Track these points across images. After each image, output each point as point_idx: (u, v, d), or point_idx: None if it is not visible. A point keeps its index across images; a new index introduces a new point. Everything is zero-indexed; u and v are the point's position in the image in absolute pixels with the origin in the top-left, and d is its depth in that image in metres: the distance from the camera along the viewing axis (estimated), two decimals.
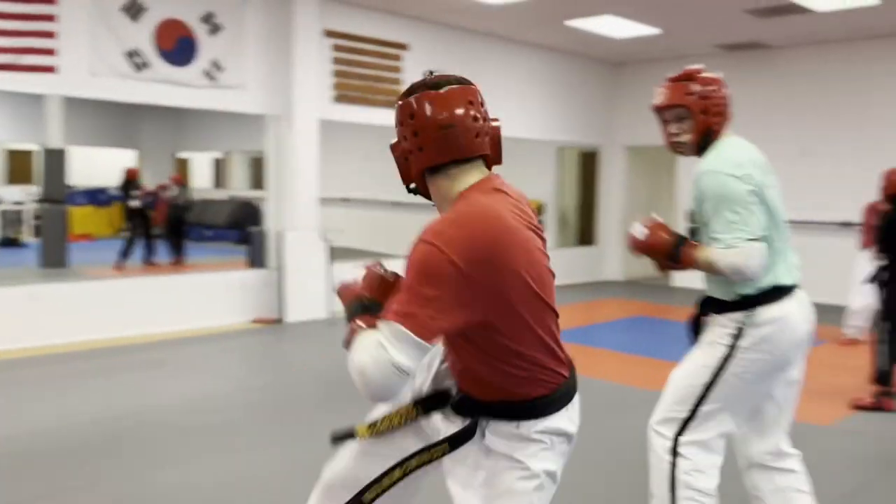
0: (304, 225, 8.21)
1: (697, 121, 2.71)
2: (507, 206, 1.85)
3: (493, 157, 1.95)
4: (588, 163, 12.81)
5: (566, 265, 11.70)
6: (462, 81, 1.89)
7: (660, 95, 2.79)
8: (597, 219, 12.45)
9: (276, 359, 6.87)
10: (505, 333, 1.81)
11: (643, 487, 2.89)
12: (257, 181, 17.21)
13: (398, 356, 1.70)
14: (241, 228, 13.86)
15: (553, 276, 1.92)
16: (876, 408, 5.17)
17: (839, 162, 9.87)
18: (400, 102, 1.90)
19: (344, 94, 8.56)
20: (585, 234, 12.85)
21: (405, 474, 1.96)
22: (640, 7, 8.68)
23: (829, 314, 5.58)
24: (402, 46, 9.11)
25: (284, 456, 4.16)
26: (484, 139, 1.88)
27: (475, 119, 1.85)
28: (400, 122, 1.90)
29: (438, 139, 1.84)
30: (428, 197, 1.96)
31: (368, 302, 1.90)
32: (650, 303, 9.87)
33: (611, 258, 12.45)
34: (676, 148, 2.82)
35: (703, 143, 2.73)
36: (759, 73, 10.67)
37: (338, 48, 8.49)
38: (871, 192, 6.66)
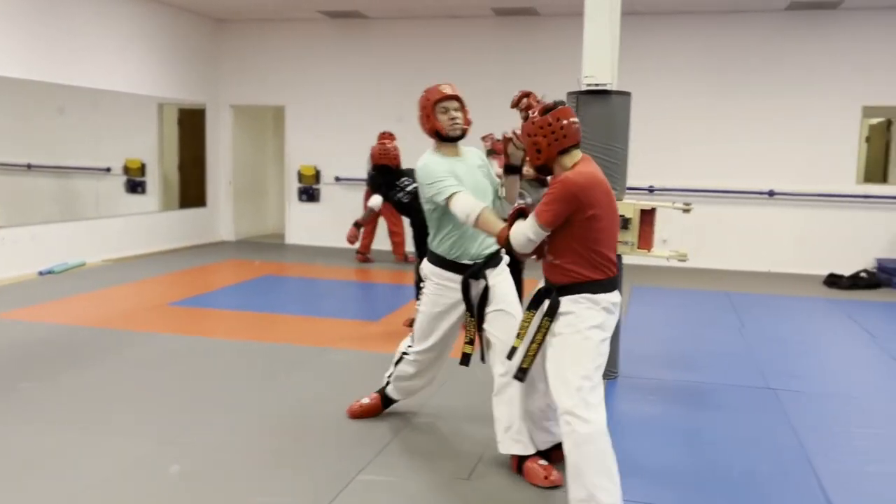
0: None
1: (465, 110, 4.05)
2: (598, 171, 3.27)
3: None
4: (189, 121, 12.34)
5: (176, 228, 11.27)
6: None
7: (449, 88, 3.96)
8: (206, 179, 12.15)
9: None
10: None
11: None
12: None
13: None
14: None
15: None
16: None
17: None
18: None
19: None
20: (193, 194, 12.43)
21: (539, 345, 3.28)
22: None
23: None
24: None
25: None
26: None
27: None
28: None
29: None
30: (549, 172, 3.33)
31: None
32: (272, 262, 10.02)
33: (223, 218, 12.31)
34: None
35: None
36: (360, 39, 11.37)
37: None
38: None
